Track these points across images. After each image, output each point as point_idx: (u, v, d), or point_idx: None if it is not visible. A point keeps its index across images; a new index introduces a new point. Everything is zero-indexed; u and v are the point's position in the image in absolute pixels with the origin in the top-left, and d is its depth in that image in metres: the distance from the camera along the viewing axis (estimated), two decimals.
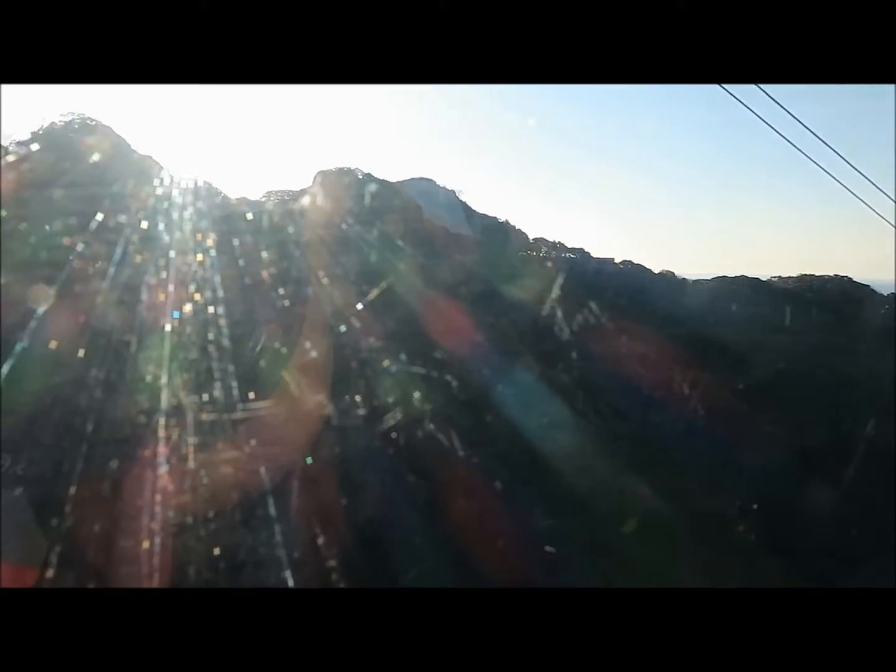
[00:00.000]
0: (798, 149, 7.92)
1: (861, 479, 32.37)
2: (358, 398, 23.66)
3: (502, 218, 57.77)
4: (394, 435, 23.85)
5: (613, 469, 30.44)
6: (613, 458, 31.30)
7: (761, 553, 27.80)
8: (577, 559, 24.68)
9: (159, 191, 22.35)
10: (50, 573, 13.48)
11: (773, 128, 7.49)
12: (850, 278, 58.33)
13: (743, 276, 60.18)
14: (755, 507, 29.97)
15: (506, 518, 23.85)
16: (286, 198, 35.92)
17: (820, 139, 8.12)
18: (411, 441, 24.25)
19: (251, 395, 18.45)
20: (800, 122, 7.62)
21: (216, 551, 15.46)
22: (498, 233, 52.31)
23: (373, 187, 38.51)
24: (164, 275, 18.77)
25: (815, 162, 8.18)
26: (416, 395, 25.08)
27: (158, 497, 14.57)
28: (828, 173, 8.38)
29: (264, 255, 23.49)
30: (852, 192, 8.80)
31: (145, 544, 13.87)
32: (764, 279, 60.67)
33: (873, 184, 8.66)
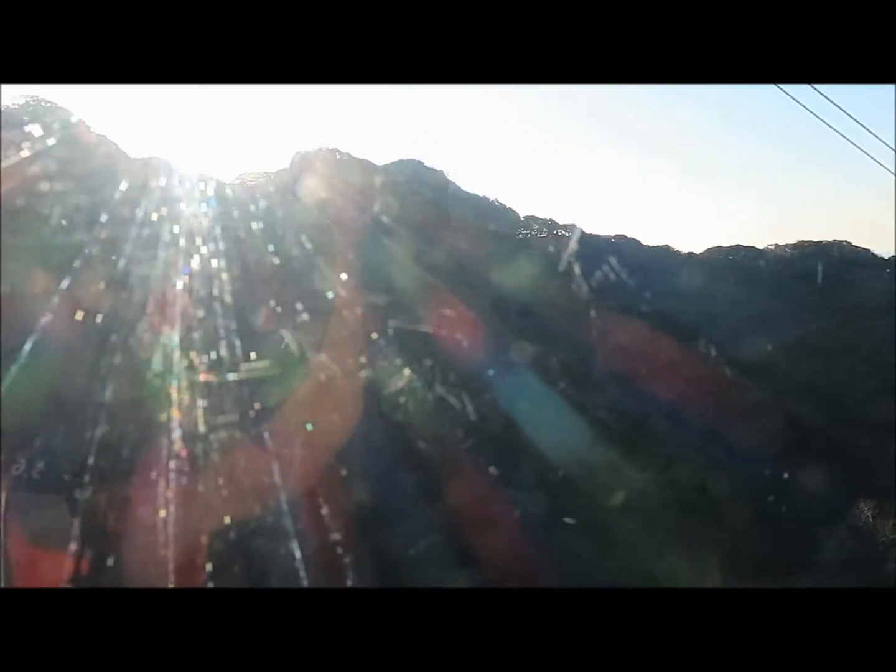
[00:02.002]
0: (806, 108, 7.77)
1: (856, 445, 32.37)
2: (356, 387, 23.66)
3: (492, 197, 57.75)
4: (391, 415, 23.92)
5: (599, 442, 30.59)
6: (601, 431, 31.42)
7: (748, 523, 27.95)
8: (562, 533, 24.92)
9: (118, 175, 22.05)
10: (63, 574, 13.44)
11: (783, 91, 7.38)
12: (849, 243, 57.46)
13: (738, 246, 59.46)
14: (742, 478, 30.29)
15: (492, 495, 24.09)
16: (262, 180, 35.09)
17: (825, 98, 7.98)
18: (406, 420, 24.35)
19: (264, 389, 18.45)
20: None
21: (233, 556, 15.42)
22: (488, 212, 52.18)
23: (353, 168, 37.91)
24: (159, 266, 18.66)
25: (820, 118, 8.05)
26: (406, 376, 25.10)
27: (172, 496, 14.53)
28: (831, 127, 8.27)
29: (239, 238, 23.10)
30: (854, 144, 8.65)
31: (161, 543, 13.84)
32: (760, 248, 60.02)
33: (873, 133, 8.53)
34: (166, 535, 13.68)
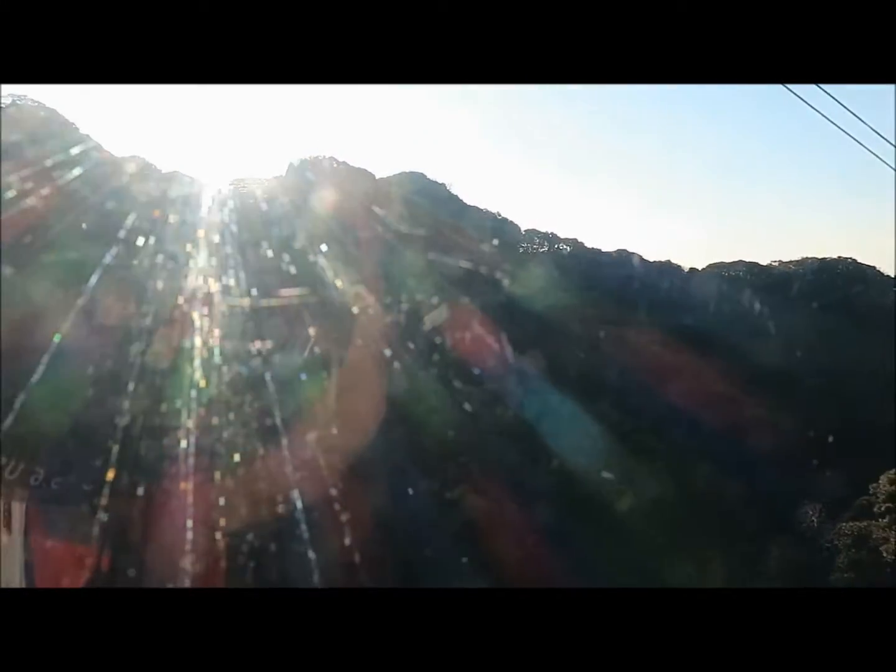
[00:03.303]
0: (811, 105, 7.63)
1: (863, 462, 32.47)
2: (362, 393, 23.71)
3: (494, 210, 57.77)
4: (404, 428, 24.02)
5: (606, 451, 30.83)
6: (606, 440, 31.61)
7: (762, 534, 28.23)
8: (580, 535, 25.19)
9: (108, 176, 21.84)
10: (85, 582, 13.35)
11: (793, 93, 7.26)
12: (854, 260, 57.03)
13: (740, 262, 59.15)
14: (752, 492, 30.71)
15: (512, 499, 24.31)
16: (255, 186, 34.81)
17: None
18: (421, 433, 24.47)
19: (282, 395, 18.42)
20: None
21: (252, 568, 15.34)
22: (490, 225, 52.28)
23: (350, 176, 37.97)
24: (165, 277, 18.62)
25: (826, 117, 7.90)
26: (407, 390, 25.14)
27: (191, 507, 14.41)
28: (837, 126, 8.14)
29: (236, 244, 22.85)
30: (862, 144, 8.49)
31: (182, 554, 13.73)
32: (763, 264, 59.71)
33: (867, 124, 8.38)
34: (186, 547, 13.61)
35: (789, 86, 6.86)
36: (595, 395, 35.34)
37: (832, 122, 8.07)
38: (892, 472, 30.78)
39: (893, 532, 28.07)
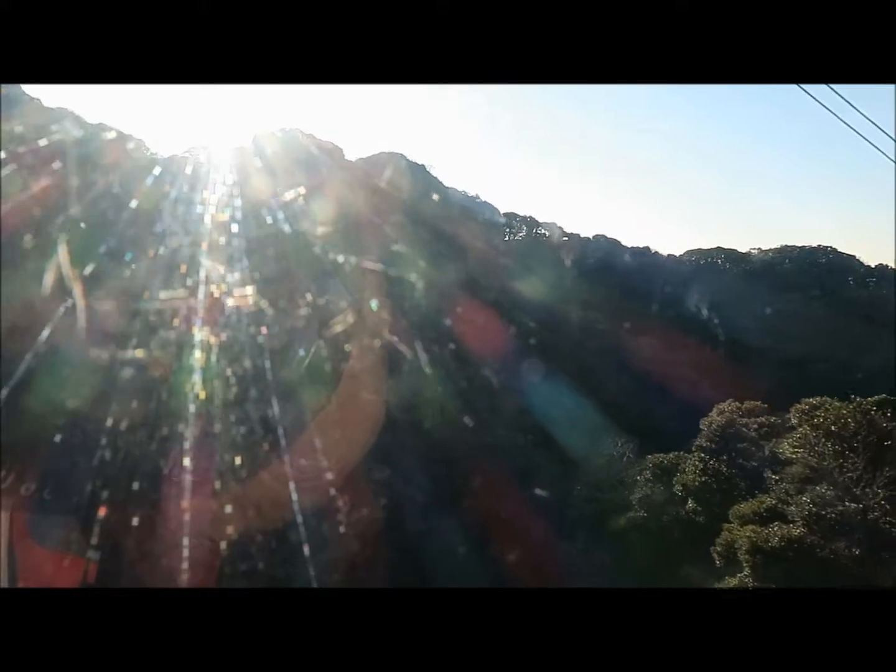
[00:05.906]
0: (804, 90, 7.60)
1: None
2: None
3: (472, 192, 58.42)
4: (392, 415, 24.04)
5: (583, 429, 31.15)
6: (579, 419, 31.94)
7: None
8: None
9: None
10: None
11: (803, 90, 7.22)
12: (834, 248, 57.59)
13: (718, 248, 59.44)
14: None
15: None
16: (215, 154, 34.12)
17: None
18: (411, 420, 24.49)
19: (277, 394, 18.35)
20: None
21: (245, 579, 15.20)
22: (469, 207, 52.65)
23: (312, 149, 37.56)
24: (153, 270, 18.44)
25: (833, 113, 7.87)
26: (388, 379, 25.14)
27: (184, 517, 14.29)
28: (845, 123, 8.11)
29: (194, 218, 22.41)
30: (853, 129, 8.45)
31: (174, 565, 13.62)
32: (742, 251, 60.07)
33: (871, 120, 8.32)
34: (179, 557, 13.53)
35: (782, 85, 6.86)
36: (564, 374, 35.72)
37: (837, 115, 8.03)
38: (727, 402, 28.33)
39: (691, 463, 25.31)
